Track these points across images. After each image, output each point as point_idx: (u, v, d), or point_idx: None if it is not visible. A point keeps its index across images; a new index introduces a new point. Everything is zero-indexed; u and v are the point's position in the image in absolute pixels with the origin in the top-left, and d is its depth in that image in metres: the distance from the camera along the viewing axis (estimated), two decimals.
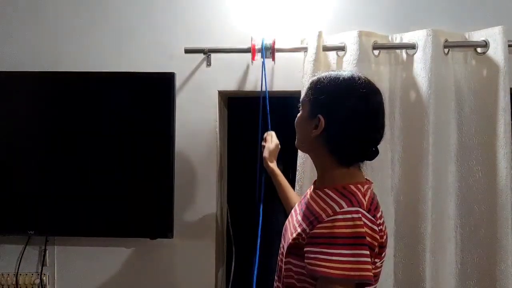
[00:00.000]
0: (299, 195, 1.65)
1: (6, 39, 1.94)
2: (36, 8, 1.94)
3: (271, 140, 1.69)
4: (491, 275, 1.66)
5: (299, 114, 1.25)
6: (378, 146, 1.17)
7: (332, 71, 1.23)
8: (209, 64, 1.89)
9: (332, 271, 1.01)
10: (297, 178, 1.72)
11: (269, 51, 1.77)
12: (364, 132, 1.15)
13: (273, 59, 1.78)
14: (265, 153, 1.67)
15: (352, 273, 1.01)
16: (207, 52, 1.84)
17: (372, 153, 1.16)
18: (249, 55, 1.82)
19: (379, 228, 1.09)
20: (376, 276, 1.13)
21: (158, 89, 1.79)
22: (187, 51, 1.83)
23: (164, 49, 1.90)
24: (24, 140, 1.84)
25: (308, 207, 1.17)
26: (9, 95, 1.85)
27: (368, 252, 1.02)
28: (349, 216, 1.04)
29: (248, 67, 1.87)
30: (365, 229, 1.03)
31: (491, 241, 1.66)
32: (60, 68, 1.89)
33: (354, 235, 1.02)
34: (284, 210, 1.63)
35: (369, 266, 1.02)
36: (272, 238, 2.20)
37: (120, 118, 1.81)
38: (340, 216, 1.05)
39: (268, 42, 1.77)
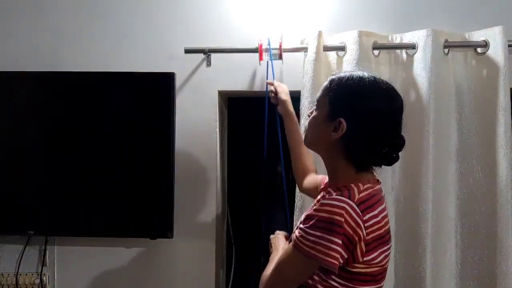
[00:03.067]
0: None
1: (6, 39, 1.94)
2: (36, 8, 1.94)
3: (279, 85, 1.65)
4: (492, 276, 1.66)
5: (314, 114, 1.22)
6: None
7: (352, 71, 1.20)
8: (209, 64, 1.89)
9: (301, 245, 1.08)
10: None
11: (276, 51, 1.76)
12: (388, 136, 1.14)
13: (281, 58, 1.77)
14: (284, 96, 1.60)
15: (316, 253, 1.05)
16: (207, 52, 1.84)
17: (393, 159, 1.16)
18: (250, 55, 1.81)
19: (366, 225, 1.08)
20: (373, 275, 1.13)
21: (158, 89, 1.79)
22: (187, 51, 1.83)
23: (164, 49, 1.90)
24: (24, 140, 1.84)
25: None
26: (9, 95, 1.85)
27: (339, 241, 1.04)
28: (332, 202, 1.07)
29: (248, 67, 1.87)
30: (343, 219, 1.05)
31: (492, 241, 1.66)
32: (60, 68, 1.89)
33: (329, 220, 1.05)
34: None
35: (336, 254, 1.05)
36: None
37: (120, 118, 1.82)
38: (325, 201, 1.09)
39: (275, 42, 1.76)
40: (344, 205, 1.06)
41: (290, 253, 1.12)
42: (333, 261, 1.05)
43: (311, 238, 1.06)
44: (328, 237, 1.04)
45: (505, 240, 1.63)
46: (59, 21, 1.94)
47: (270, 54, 1.76)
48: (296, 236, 1.10)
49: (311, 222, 1.07)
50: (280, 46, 1.75)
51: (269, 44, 1.75)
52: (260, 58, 1.77)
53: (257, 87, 1.88)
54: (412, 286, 1.69)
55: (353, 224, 1.06)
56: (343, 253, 1.06)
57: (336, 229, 1.04)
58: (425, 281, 1.65)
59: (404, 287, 1.71)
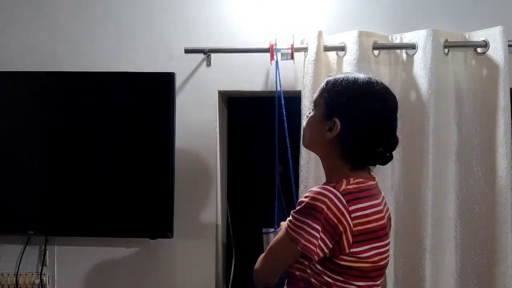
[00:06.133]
0: None
1: (5, 39, 1.94)
2: (36, 8, 1.94)
3: None
4: (491, 275, 1.66)
5: (311, 114, 1.24)
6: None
7: (349, 73, 1.23)
8: (209, 64, 1.89)
9: (288, 228, 1.13)
10: (300, 178, 1.71)
11: (288, 51, 1.76)
12: (381, 135, 1.16)
13: (292, 58, 1.77)
14: None
15: (297, 236, 1.10)
16: (207, 52, 1.84)
17: (387, 158, 1.18)
18: (250, 55, 1.82)
19: (353, 215, 1.10)
20: (364, 271, 1.13)
21: (158, 89, 1.79)
22: (187, 51, 1.83)
23: (164, 49, 1.90)
24: (24, 140, 1.84)
25: None
26: (9, 95, 1.84)
27: (318, 227, 1.08)
28: (316, 190, 1.12)
29: (248, 67, 1.87)
30: (325, 206, 1.08)
31: (491, 241, 1.66)
32: (60, 68, 1.88)
33: (310, 206, 1.10)
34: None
35: (313, 240, 1.08)
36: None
37: (120, 118, 1.81)
38: (312, 189, 1.13)
39: (286, 42, 1.76)
40: (327, 193, 1.09)
41: (281, 236, 1.17)
42: (310, 246, 1.08)
43: (295, 222, 1.12)
44: (309, 222, 1.09)
45: (504, 240, 1.63)
46: (59, 21, 1.94)
47: (276, 54, 1.75)
48: (287, 220, 1.16)
49: (297, 208, 1.13)
50: (292, 46, 1.75)
51: (276, 44, 1.75)
52: (272, 58, 1.77)
53: (257, 87, 1.88)
54: (412, 285, 1.69)
55: (336, 212, 1.08)
56: (327, 240, 1.09)
57: (316, 215, 1.08)
58: (424, 281, 1.65)
59: (404, 286, 1.71)
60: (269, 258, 1.21)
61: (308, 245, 1.08)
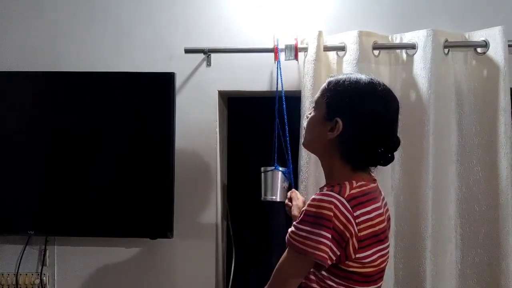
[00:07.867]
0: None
1: (5, 39, 1.94)
2: (36, 8, 1.94)
3: (297, 198, 1.57)
4: (492, 276, 1.66)
5: (312, 114, 1.23)
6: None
7: (350, 73, 1.22)
8: (209, 64, 1.89)
9: (293, 241, 1.10)
10: (300, 178, 1.71)
11: (292, 51, 1.75)
12: (382, 136, 1.15)
13: (296, 58, 1.75)
14: (295, 211, 1.52)
15: (306, 248, 1.07)
16: (207, 52, 1.84)
17: (388, 159, 1.17)
18: (250, 54, 1.82)
19: (357, 221, 1.09)
20: (369, 276, 1.13)
21: (158, 89, 1.79)
22: (187, 51, 1.83)
23: (164, 49, 1.90)
24: (24, 140, 1.84)
25: None
26: (9, 95, 1.84)
27: (328, 235, 1.06)
28: (321, 197, 1.09)
29: (248, 67, 1.87)
30: (332, 213, 1.06)
31: (492, 242, 1.66)
32: (60, 68, 1.89)
33: (317, 214, 1.07)
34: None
35: (325, 248, 1.06)
36: (272, 241, 2.21)
37: (120, 118, 1.81)
38: (315, 197, 1.10)
39: (291, 42, 1.75)
40: (333, 199, 1.08)
41: (286, 253, 1.13)
42: (322, 254, 1.06)
43: (301, 233, 1.08)
44: (317, 231, 1.06)
45: (505, 240, 1.63)
46: (59, 21, 1.94)
47: (279, 54, 1.75)
48: (288, 233, 1.12)
49: (301, 218, 1.10)
50: (296, 46, 1.75)
51: (277, 44, 1.74)
52: (276, 58, 1.76)
53: (258, 87, 1.88)
54: (412, 286, 1.69)
55: (343, 219, 1.07)
56: (334, 248, 1.07)
57: (325, 223, 1.06)
58: (425, 281, 1.65)
59: (404, 287, 1.71)
60: (278, 280, 1.14)
61: (320, 253, 1.06)
